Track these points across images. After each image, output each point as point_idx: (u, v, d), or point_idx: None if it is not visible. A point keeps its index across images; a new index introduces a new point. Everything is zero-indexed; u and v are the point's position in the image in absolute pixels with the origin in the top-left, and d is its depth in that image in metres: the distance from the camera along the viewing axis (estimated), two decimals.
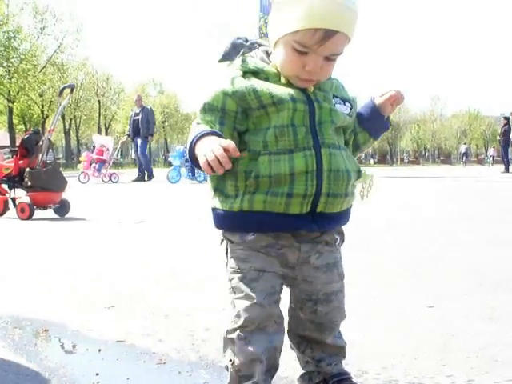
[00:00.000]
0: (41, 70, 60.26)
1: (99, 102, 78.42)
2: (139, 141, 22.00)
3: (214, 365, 2.62)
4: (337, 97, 2.12)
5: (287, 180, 1.93)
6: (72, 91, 10.39)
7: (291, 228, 2.02)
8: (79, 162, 24.59)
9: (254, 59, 2.08)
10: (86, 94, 75.49)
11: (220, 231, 2.14)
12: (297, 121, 1.98)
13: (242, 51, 2.08)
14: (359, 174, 2.11)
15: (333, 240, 2.13)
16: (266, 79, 2.02)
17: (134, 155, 23.74)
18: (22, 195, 9.20)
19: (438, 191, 15.77)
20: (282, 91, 1.99)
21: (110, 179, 21.83)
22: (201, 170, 1.91)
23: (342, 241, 2.19)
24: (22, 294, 3.96)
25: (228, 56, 2.10)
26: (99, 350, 2.85)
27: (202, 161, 1.85)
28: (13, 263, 5.27)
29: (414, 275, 4.35)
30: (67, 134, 73.45)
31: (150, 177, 21.95)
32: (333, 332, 2.21)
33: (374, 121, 2.23)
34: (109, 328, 3.18)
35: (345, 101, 2.14)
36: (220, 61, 2.11)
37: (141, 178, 21.93)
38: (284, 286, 2.14)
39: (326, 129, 2.01)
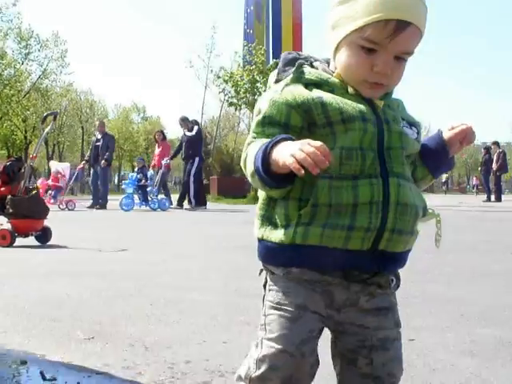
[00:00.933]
0: (24, 95, 60.42)
1: (82, 128, 78.39)
2: (99, 168, 21.89)
3: None
4: (403, 119, 1.89)
5: (349, 210, 1.69)
6: (55, 118, 10.39)
7: (349, 266, 1.76)
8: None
9: (315, 70, 1.85)
10: (70, 120, 75.57)
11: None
12: (365, 144, 1.74)
13: (298, 63, 1.85)
14: (425, 212, 1.87)
15: (387, 283, 1.85)
16: (331, 91, 1.79)
17: (90, 182, 23.50)
18: (3, 222, 9.14)
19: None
20: (352, 107, 1.75)
21: (67, 206, 21.25)
22: (274, 183, 1.66)
23: (398, 285, 1.91)
24: (1, 325, 3.92)
25: (283, 73, 1.87)
26: (78, 383, 2.82)
27: (289, 161, 1.54)
28: None
29: None
30: (50, 159, 73.32)
31: (103, 206, 21.56)
32: None
33: (438, 157, 1.97)
34: (88, 360, 3.15)
35: (411, 124, 1.91)
36: (277, 81, 1.87)
37: (94, 205, 21.73)
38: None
39: (395, 155, 1.78)
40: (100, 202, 21.73)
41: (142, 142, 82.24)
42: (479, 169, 32.46)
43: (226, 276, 5.79)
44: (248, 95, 27.23)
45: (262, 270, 1.91)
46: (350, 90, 1.79)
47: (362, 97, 1.80)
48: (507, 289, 5.19)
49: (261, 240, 1.83)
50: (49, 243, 9.01)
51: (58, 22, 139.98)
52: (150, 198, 20.97)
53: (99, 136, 22.18)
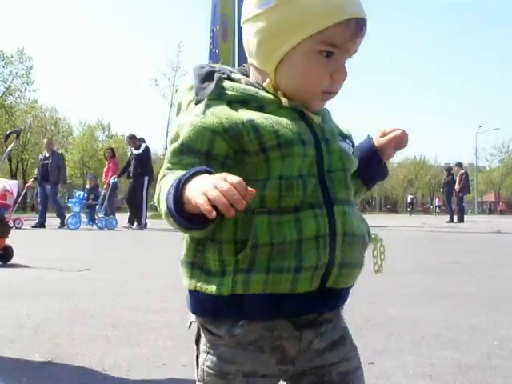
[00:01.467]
0: None
1: None
2: (48, 187, 21.46)
3: None
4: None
5: (293, 249, 1.44)
6: (18, 136, 10.32)
7: (298, 312, 1.52)
8: None
9: (239, 84, 1.57)
10: (34, 137, 75.03)
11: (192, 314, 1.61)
12: (305, 170, 1.49)
13: (216, 76, 1.56)
14: (369, 238, 1.66)
15: (336, 314, 1.65)
16: (260, 108, 1.52)
17: (38, 200, 22.96)
18: None
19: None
20: (289, 129, 1.49)
21: (14, 225, 20.77)
22: (190, 225, 1.37)
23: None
24: None
25: (203, 91, 1.55)
26: None
27: (200, 200, 1.26)
28: None
29: (354, 330, 4.34)
30: (14, 176, 72.66)
31: (63, 223, 21.08)
32: None
33: (371, 166, 1.78)
34: (46, 383, 3.11)
35: (345, 137, 1.66)
36: (198, 102, 1.54)
37: (40, 224, 21.18)
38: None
39: (337, 179, 1.55)
40: (60, 221, 21.44)
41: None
42: (441, 190, 32.75)
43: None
44: None
45: (191, 323, 1.63)
46: (285, 101, 1.54)
47: (296, 112, 1.56)
48: (468, 311, 5.22)
49: (193, 291, 1.54)
50: (10, 262, 8.91)
51: (23, 38, 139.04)
52: (97, 217, 20.76)
53: (47, 154, 21.85)
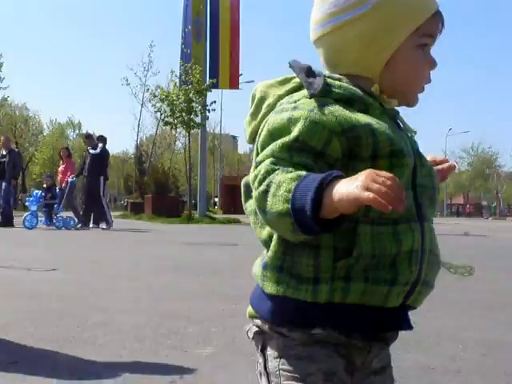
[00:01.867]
0: None
1: (17, 143, 77.01)
2: (3, 184, 21.25)
3: None
4: None
5: (388, 262, 1.40)
6: None
7: (385, 328, 1.49)
8: None
9: (344, 83, 1.48)
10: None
11: (257, 320, 1.51)
12: (406, 182, 1.42)
13: (323, 73, 1.50)
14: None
15: (393, 339, 1.55)
16: (365, 111, 1.44)
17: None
18: None
19: None
20: (399, 137, 1.43)
21: None
22: (321, 230, 1.26)
23: None
24: None
25: (312, 86, 1.44)
26: None
27: (364, 195, 1.17)
28: None
29: None
30: None
31: (9, 223, 20.47)
32: None
33: None
34: None
35: None
36: (312, 96, 1.43)
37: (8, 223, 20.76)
38: None
39: (427, 196, 1.50)
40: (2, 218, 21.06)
41: (77, 158, 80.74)
42: None
43: (155, 297, 5.74)
44: (184, 115, 27.03)
45: (254, 334, 1.52)
46: (390, 102, 1.51)
47: (394, 120, 1.51)
48: (433, 313, 5.26)
49: (278, 297, 1.43)
50: None
51: None
52: (54, 217, 20.46)
53: (4, 152, 21.51)
